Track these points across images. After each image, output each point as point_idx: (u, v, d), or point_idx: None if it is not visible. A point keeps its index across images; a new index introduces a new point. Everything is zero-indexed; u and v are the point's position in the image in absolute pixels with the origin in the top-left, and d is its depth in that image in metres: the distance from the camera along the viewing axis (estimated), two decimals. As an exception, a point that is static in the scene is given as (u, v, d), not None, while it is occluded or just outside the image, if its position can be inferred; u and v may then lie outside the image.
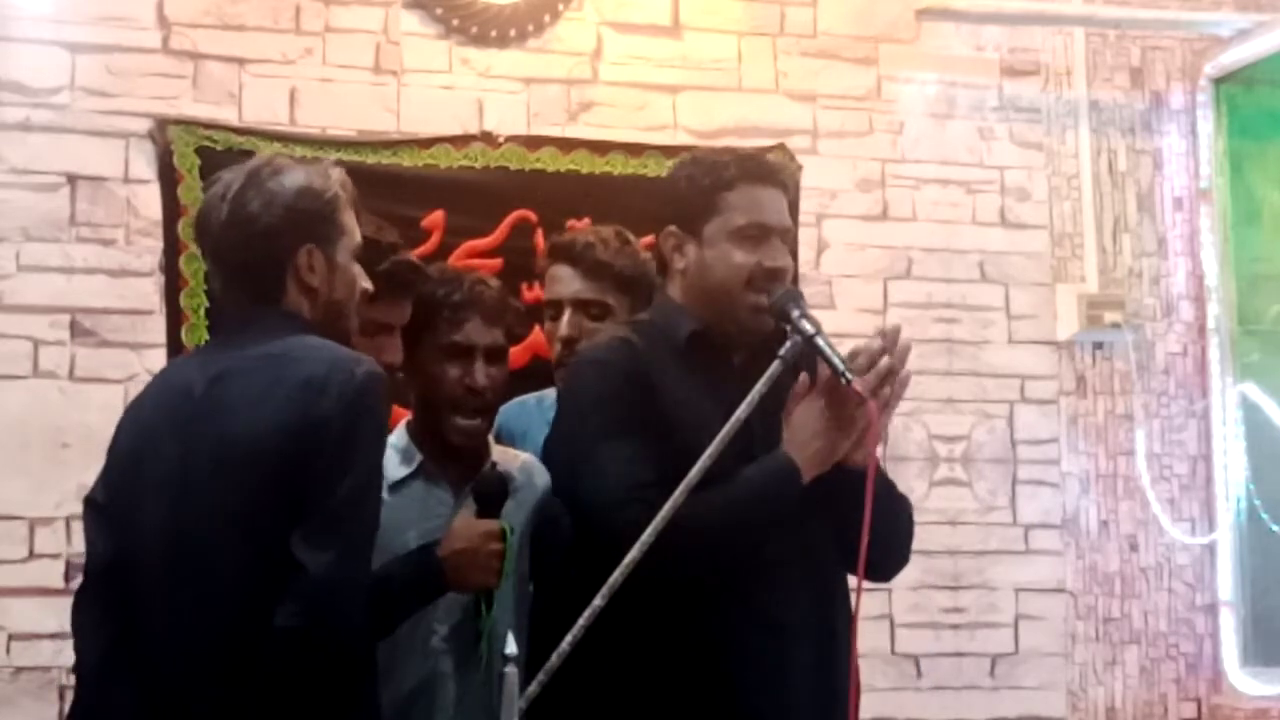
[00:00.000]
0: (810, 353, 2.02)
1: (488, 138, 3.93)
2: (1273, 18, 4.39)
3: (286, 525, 1.79)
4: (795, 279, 2.24)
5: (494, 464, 2.24)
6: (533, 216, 3.87)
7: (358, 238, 2.03)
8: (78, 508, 3.55)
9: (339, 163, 3.70)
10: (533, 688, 1.82)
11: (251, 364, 1.88)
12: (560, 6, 4.05)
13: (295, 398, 1.81)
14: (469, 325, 2.25)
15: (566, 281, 2.59)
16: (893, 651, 4.11)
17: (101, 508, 2.01)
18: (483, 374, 2.23)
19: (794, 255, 2.29)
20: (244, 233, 1.94)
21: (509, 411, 2.59)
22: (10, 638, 3.54)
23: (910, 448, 4.18)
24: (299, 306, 1.95)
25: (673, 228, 2.21)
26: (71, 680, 3.41)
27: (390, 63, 3.93)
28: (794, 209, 2.37)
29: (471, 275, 2.38)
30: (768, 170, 2.22)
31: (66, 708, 3.48)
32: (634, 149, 3.98)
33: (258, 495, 1.81)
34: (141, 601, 1.90)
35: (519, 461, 2.30)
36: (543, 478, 2.26)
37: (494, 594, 2.10)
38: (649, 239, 2.38)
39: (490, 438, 2.33)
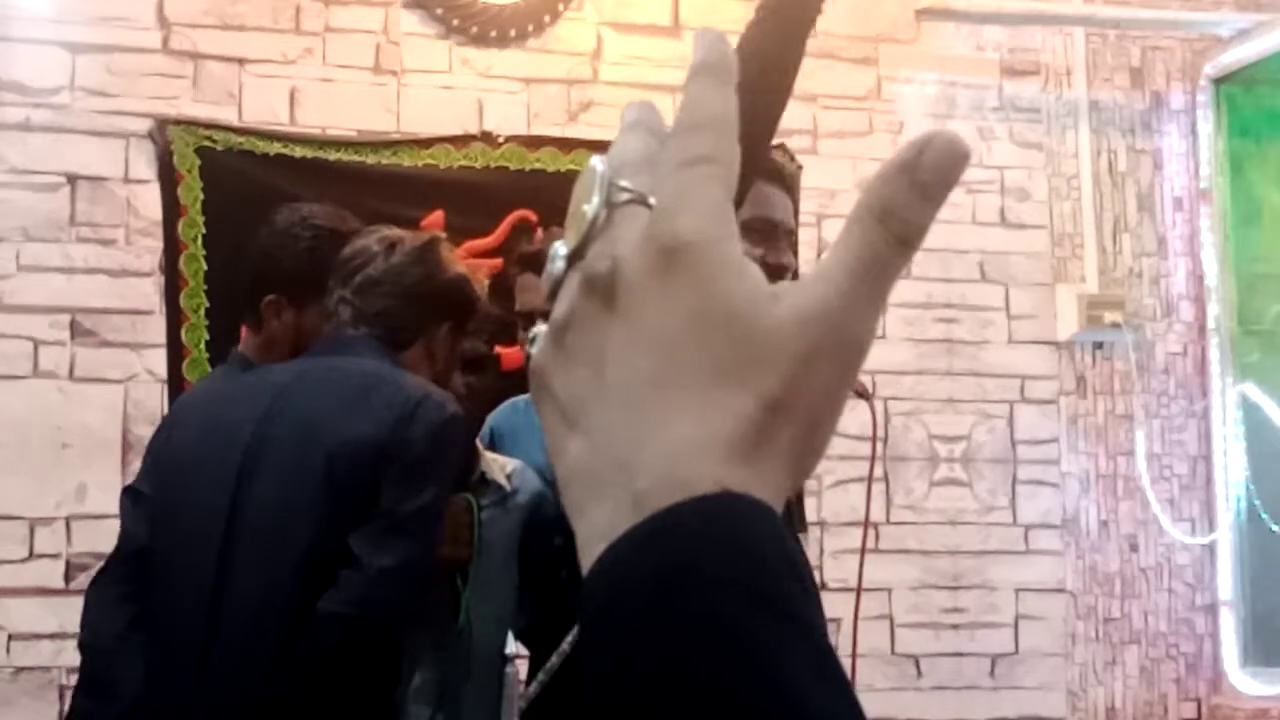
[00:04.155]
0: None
1: (488, 138, 3.93)
2: (1272, 18, 4.39)
3: (346, 526, 1.91)
4: (795, 279, 2.26)
5: (482, 474, 2.25)
6: (533, 216, 3.87)
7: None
8: (78, 508, 3.60)
9: (338, 162, 3.77)
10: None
11: (345, 374, 2.03)
12: (560, 6, 4.05)
13: (385, 414, 1.95)
14: None
15: (537, 291, 2.60)
16: (893, 652, 4.11)
17: (145, 497, 2.12)
18: (460, 384, 2.25)
19: (795, 258, 2.31)
20: (400, 286, 2.10)
21: (500, 413, 2.60)
22: (10, 638, 3.54)
23: (910, 448, 4.18)
24: (412, 363, 2.10)
25: None
26: (71, 680, 3.42)
27: (390, 63, 3.93)
28: (795, 211, 2.39)
29: None
30: (776, 169, 2.25)
31: (66, 707, 3.50)
32: (634, 149, 3.98)
33: (327, 493, 1.93)
34: (177, 586, 1.99)
35: (507, 469, 2.31)
36: (532, 484, 2.27)
37: (469, 569, 2.12)
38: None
39: (480, 443, 2.34)
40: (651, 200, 0.46)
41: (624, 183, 0.47)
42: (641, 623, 0.40)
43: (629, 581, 0.40)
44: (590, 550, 0.42)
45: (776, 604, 0.40)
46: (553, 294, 0.47)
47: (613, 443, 0.44)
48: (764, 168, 2.23)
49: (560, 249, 0.47)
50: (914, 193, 0.45)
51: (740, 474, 0.42)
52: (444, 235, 2.28)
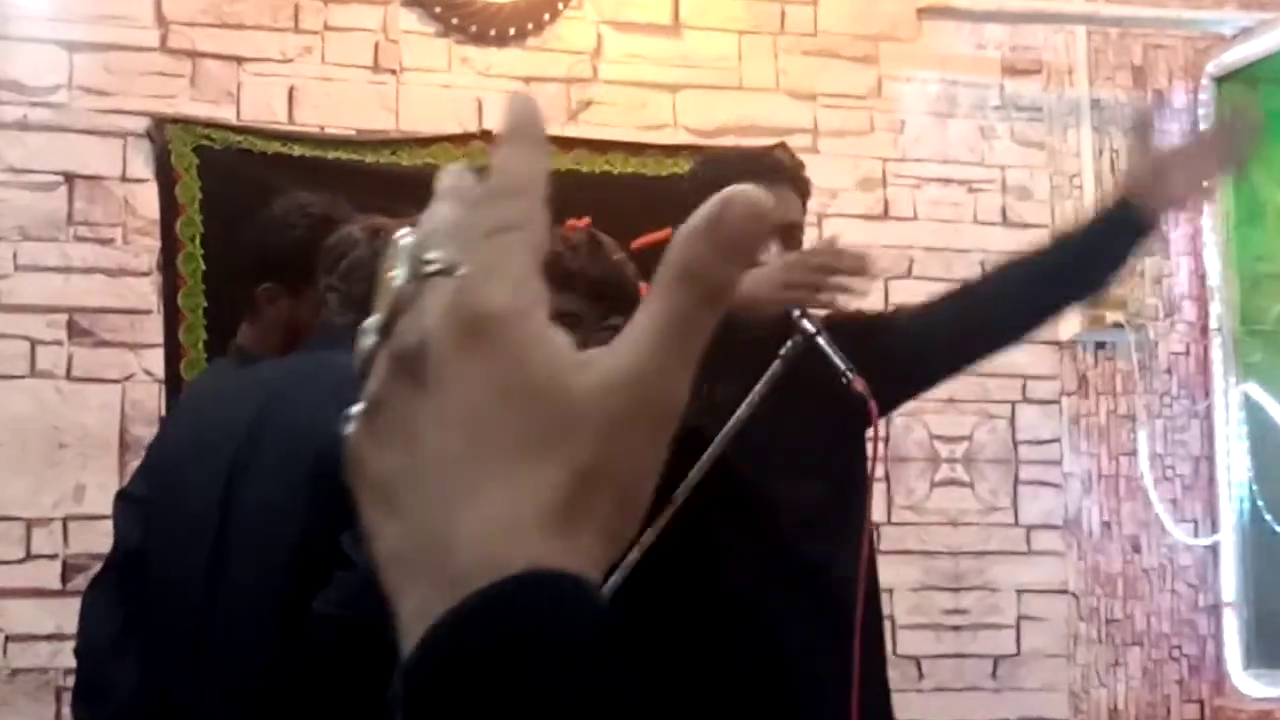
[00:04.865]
0: (811, 351, 2.01)
1: (487, 136, 3.91)
2: (1275, 16, 4.38)
3: (337, 525, 1.87)
4: None
5: None
6: (532, 216, 3.85)
7: None
8: (75, 508, 3.59)
9: (337, 161, 3.76)
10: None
11: (336, 369, 1.96)
12: (560, 5, 4.04)
13: None
14: None
15: None
16: (894, 653, 4.08)
17: (138, 499, 2.12)
18: None
19: (799, 249, 2.30)
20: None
21: None
22: (7, 639, 3.53)
23: (911, 448, 4.17)
24: None
25: None
26: (68, 681, 3.41)
27: (389, 61, 3.92)
28: (806, 201, 2.39)
29: None
30: (764, 168, 2.24)
31: (63, 708, 3.49)
32: (634, 148, 3.97)
33: (318, 491, 1.89)
34: (170, 589, 1.96)
35: None
36: None
37: None
38: (651, 236, 2.39)
39: None
40: (459, 271, 0.45)
41: (430, 254, 0.46)
42: (459, 708, 0.39)
43: (446, 666, 0.40)
44: (410, 634, 0.42)
45: (591, 679, 0.40)
46: (364, 372, 0.47)
47: (427, 523, 0.43)
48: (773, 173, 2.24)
49: (370, 324, 0.46)
50: (717, 252, 0.45)
51: (554, 547, 0.42)
52: None
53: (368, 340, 0.47)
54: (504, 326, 0.44)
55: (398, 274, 0.46)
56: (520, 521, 0.42)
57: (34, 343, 3.62)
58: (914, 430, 4.17)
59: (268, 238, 2.23)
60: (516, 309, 0.44)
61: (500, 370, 0.44)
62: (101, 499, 3.21)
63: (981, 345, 2.27)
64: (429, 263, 0.46)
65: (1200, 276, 4.47)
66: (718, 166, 2.27)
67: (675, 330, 0.45)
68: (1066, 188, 4.41)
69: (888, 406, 2.22)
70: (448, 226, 0.48)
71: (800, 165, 2.50)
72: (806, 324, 2.02)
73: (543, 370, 0.44)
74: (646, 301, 0.46)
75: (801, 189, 2.32)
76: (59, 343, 3.63)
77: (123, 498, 2.17)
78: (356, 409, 0.47)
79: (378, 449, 0.46)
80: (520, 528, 0.42)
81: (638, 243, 2.67)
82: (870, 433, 2.03)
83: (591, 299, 2.56)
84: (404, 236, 0.47)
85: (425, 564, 0.43)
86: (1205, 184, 2.12)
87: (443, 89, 3.95)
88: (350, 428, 0.47)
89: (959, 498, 4.21)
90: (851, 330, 2.20)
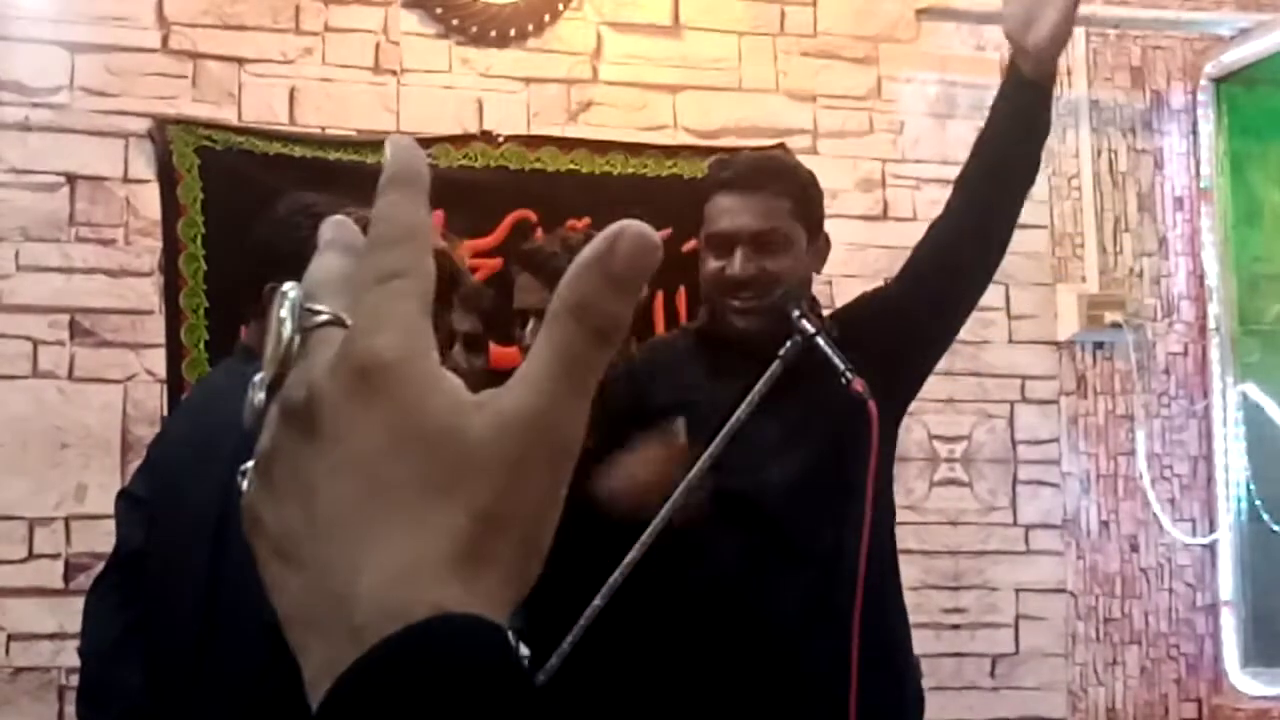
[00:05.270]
0: (811, 351, 2.02)
1: (488, 137, 3.92)
2: (1273, 17, 4.39)
3: None
4: (783, 280, 2.26)
5: None
6: (533, 216, 3.86)
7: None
8: (77, 508, 3.59)
9: (338, 162, 3.77)
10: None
11: None
12: (560, 6, 4.04)
13: None
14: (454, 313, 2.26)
15: (530, 290, 2.61)
16: (893, 652, 4.10)
17: (140, 500, 2.10)
18: (463, 359, 2.25)
19: (787, 253, 2.29)
20: None
21: None
22: (9, 638, 3.53)
23: (910, 448, 4.17)
24: None
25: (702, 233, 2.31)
26: (70, 681, 3.42)
27: (390, 62, 3.93)
28: (806, 204, 2.37)
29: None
30: (739, 175, 2.25)
31: (66, 708, 3.49)
32: (634, 149, 3.98)
33: None
34: (172, 590, 1.95)
35: None
36: None
37: None
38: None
39: None
40: (348, 320, 0.45)
41: (317, 305, 0.46)
42: None
43: (355, 718, 0.40)
44: (316, 690, 0.42)
45: None
46: (256, 427, 0.46)
47: (327, 576, 0.43)
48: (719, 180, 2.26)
49: (259, 379, 0.46)
50: (607, 285, 0.45)
51: (457, 592, 0.41)
52: None
53: (257, 395, 0.46)
54: (394, 374, 0.43)
55: (285, 326, 0.46)
56: (421, 568, 0.42)
57: (36, 343, 3.62)
58: (913, 430, 4.18)
59: (272, 238, 2.22)
60: (406, 356, 0.44)
61: (393, 418, 0.43)
62: (103, 499, 3.21)
63: (968, 262, 2.26)
64: (316, 313, 0.46)
65: (1198, 277, 4.48)
66: (706, 176, 2.31)
67: (568, 366, 0.45)
68: (1065, 188, 4.42)
69: (927, 362, 2.26)
70: (333, 277, 0.47)
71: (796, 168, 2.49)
72: (806, 324, 2.03)
73: (436, 415, 0.43)
74: (540, 338, 0.45)
75: (792, 189, 2.30)
76: (61, 343, 3.64)
77: (124, 498, 2.16)
78: (249, 465, 0.46)
79: (274, 504, 0.45)
80: (421, 574, 0.41)
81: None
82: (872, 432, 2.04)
83: None
84: (290, 289, 0.47)
85: (328, 616, 0.42)
86: (1070, 6, 2.09)
87: (443, 90, 3.96)
88: (245, 484, 0.46)
89: (958, 497, 4.22)
90: (859, 316, 2.22)
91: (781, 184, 2.26)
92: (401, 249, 0.46)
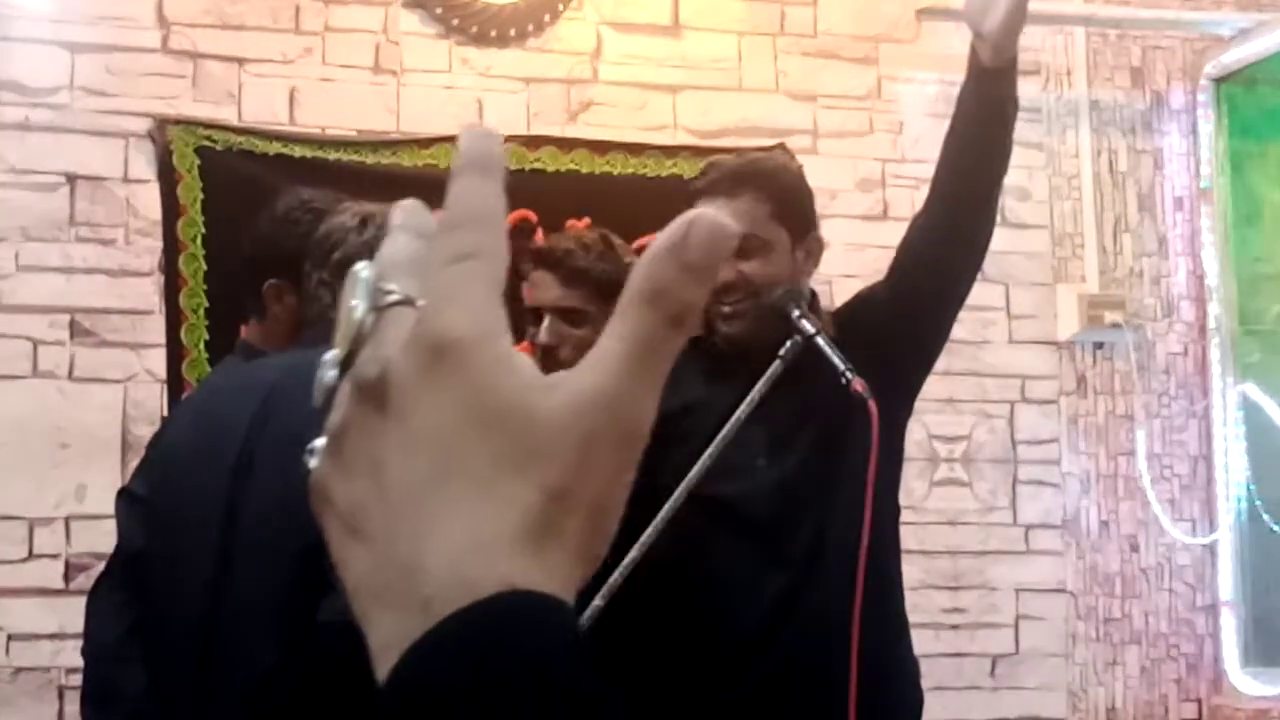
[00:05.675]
0: (810, 352, 2.03)
1: (488, 138, 3.92)
2: (1273, 17, 4.39)
3: None
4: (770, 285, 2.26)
5: None
6: (533, 216, 3.86)
7: None
8: (77, 508, 3.59)
9: (338, 162, 3.77)
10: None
11: None
12: (560, 6, 4.05)
13: None
14: None
15: (546, 288, 2.60)
16: (893, 652, 4.10)
17: (140, 499, 2.09)
18: None
19: (765, 256, 2.28)
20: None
21: None
22: (9, 638, 3.54)
23: (910, 448, 4.15)
24: None
25: None
26: (71, 681, 3.42)
27: (390, 62, 3.93)
28: (789, 207, 2.36)
29: None
30: (714, 183, 2.25)
31: (66, 707, 3.50)
32: (634, 149, 3.98)
33: None
34: (174, 591, 1.94)
35: None
36: None
37: None
38: (652, 238, 2.41)
39: None
40: (419, 301, 0.46)
41: (389, 285, 0.47)
42: None
43: (422, 691, 0.40)
44: (383, 660, 0.42)
45: (566, 704, 0.40)
46: (326, 404, 0.47)
47: (396, 549, 0.43)
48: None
49: (331, 357, 0.47)
50: (683, 273, 0.46)
51: (527, 567, 0.42)
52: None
53: (329, 374, 0.47)
54: (466, 353, 0.44)
55: (357, 305, 0.47)
56: (491, 543, 0.42)
57: (36, 343, 3.63)
58: (913, 430, 4.16)
59: (271, 234, 2.21)
60: (478, 335, 0.44)
61: (465, 395, 0.44)
62: (103, 499, 3.21)
63: (949, 256, 2.25)
64: (388, 293, 0.46)
65: (1198, 277, 4.48)
66: (695, 181, 2.31)
67: (642, 352, 0.45)
68: (1065, 189, 4.42)
69: (922, 356, 2.26)
70: (405, 258, 0.48)
71: (798, 167, 2.49)
72: (806, 324, 2.03)
73: (509, 394, 0.44)
74: (613, 323, 0.46)
75: (773, 190, 2.30)
76: (61, 343, 3.64)
77: (124, 496, 2.15)
78: (319, 443, 0.47)
79: (344, 479, 0.45)
80: (491, 548, 0.42)
81: (637, 244, 2.68)
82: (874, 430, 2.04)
83: (601, 298, 2.58)
84: (363, 270, 0.48)
85: (396, 590, 0.43)
86: None
87: (443, 90, 3.96)
88: (314, 462, 0.47)
89: (958, 497, 4.22)
90: (849, 317, 2.22)
91: (760, 188, 2.25)
92: (474, 231, 0.47)
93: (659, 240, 0.47)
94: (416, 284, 0.47)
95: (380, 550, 0.44)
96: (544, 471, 0.43)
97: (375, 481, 0.44)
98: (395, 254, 0.49)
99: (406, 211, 0.51)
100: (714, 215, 0.46)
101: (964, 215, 2.21)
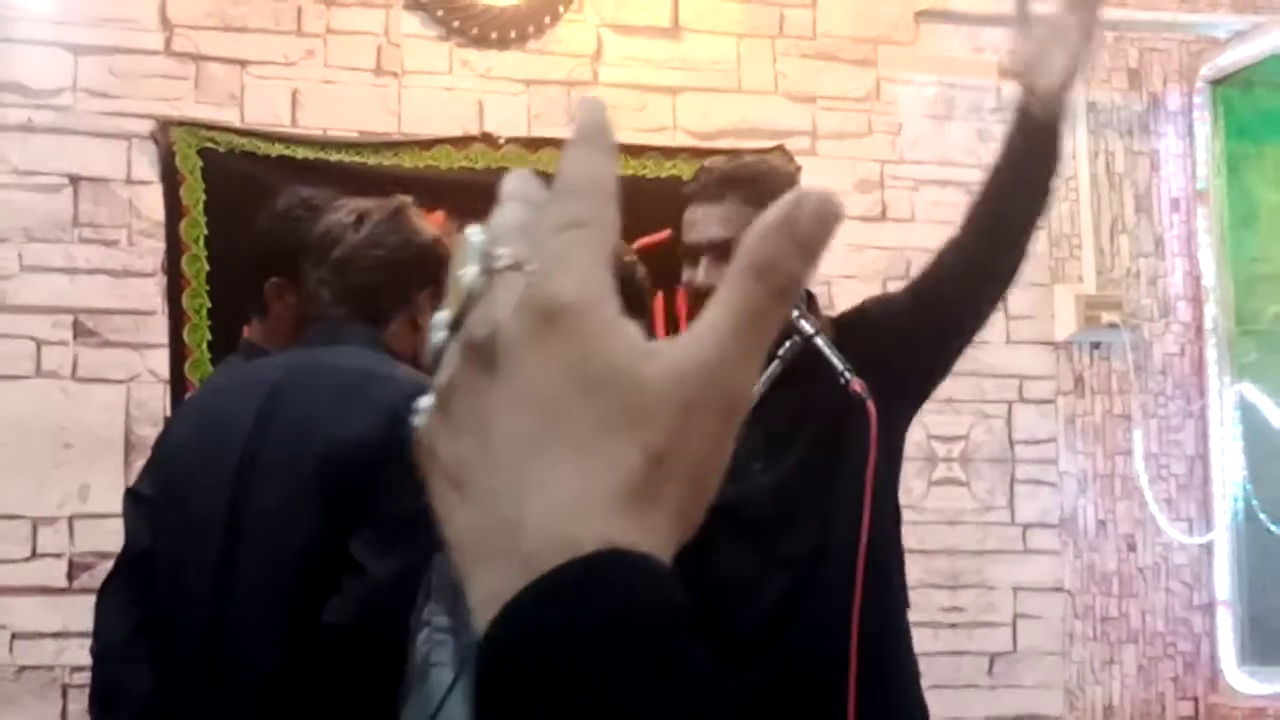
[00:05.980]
0: (808, 352, 2.04)
1: (488, 139, 3.94)
2: (1269, 20, 4.41)
3: (344, 530, 1.86)
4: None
5: None
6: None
7: None
8: (80, 507, 3.61)
9: (340, 163, 3.79)
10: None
11: (335, 372, 1.96)
12: (560, 8, 4.07)
13: (377, 414, 1.89)
14: None
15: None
16: (891, 650, 4.12)
17: (146, 499, 2.10)
18: None
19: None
20: (376, 256, 2.05)
21: None
22: (13, 636, 3.55)
23: (909, 447, 4.15)
24: (397, 337, 2.05)
25: None
26: (74, 679, 3.44)
27: (391, 64, 3.95)
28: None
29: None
30: (702, 187, 2.27)
31: (69, 706, 3.51)
32: (634, 150, 4.00)
33: (322, 497, 1.89)
34: (179, 590, 1.96)
35: None
36: None
37: None
38: (651, 238, 2.43)
39: None
40: (528, 266, 0.47)
41: (500, 250, 0.48)
42: (532, 688, 0.40)
43: (519, 646, 0.41)
44: (483, 613, 0.43)
45: (664, 661, 0.41)
46: (435, 364, 0.48)
47: (499, 505, 0.44)
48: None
49: (441, 319, 0.48)
50: (794, 248, 0.47)
51: (626, 527, 0.43)
52: (411, 199, 2.19)
53: (438, 335, 0.48)
54: (574, 316, 0.45)
55: (468, 270, 0.48)
56: (592, 501, 0.43)
57: (39, 343, 3.64)
58: (911, 430, 4.17)
59: (271, 231, 2.23)
60: (586, 300, 0.46)
61: (572, 357, 0.45)
62: (106, 498, 3.24)
63: (974, 293, 2.28)
64: (499, 258, 0.48)
65: (1195, 277, 4.50)
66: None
67: (746, 322, 0.46)
68: (1063, 190, 4.43)
69: (930, 377, 2.28)
70: (516, 225, 0.49)
71: (797, 168, 2.51)
72: (805, 324, 2.05)
73: (615, 357, 0.45)
74: (719, 295, 0.47)
75: (760, 194, 2.32)
76: (64, 343, 3.66)
77: (130, 496, 2.16)
78: (425, 401, 0.48)
79: (450, 436, 0.47)
80: (592, 507, 0.43)
81: (638, 244, 2.71)
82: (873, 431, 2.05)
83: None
84: (474, 235, 0.49)
85: (498, 544, 0.44)
86: (1079, 50, 2.12)
87: (444, 92, 3.98)
88: (420, 420, 0.48)
89: (956, 497, 4.24)
90: (862, 323, 2.23)
91: (748, 191, 2.26)
92: (584, 200, 0.48)
93: (769, 215, 0.48)
94: (527, 250, 0.48)
95: (483, 507, 0.45)
96: (646, 435, 0.44)
97: (480, 440, 0.46)
98: (506, 220, 0.50)
99: (517, 180, 0.52)
100: (823, 192, 0.48)
101: (995, 251, 2.24)
